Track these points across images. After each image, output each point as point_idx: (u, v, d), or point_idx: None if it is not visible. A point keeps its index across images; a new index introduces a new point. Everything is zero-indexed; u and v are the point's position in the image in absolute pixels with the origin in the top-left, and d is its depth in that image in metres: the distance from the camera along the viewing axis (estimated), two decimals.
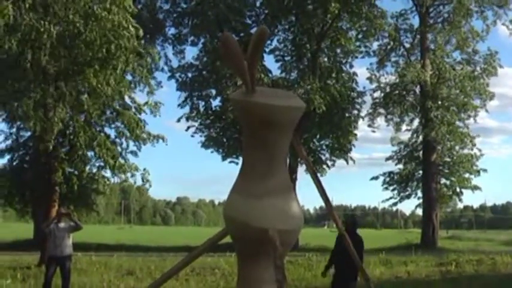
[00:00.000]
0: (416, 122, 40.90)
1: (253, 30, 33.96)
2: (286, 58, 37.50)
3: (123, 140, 26.37)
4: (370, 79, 40.38)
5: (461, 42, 40.26)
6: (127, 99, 26.16)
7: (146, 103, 26.74)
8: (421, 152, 41.20)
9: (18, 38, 20.49)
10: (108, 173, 27.11)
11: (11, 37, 20.33)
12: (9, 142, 28.92)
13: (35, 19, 20.23)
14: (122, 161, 25.77)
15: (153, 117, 27.41)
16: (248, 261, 5.60)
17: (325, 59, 37.95)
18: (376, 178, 42.65)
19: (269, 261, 5.15)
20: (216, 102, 36.75)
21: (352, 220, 12.04)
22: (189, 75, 36.41)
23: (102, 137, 25.43)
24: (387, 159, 43.36)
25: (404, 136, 42.70)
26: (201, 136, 36.75)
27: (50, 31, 20.15)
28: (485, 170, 41.13)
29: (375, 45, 40.73)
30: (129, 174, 25.70)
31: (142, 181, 26.62)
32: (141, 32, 22.20)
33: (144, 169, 26.29)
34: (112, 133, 26.60)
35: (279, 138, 5.43)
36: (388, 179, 42.32)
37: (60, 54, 21.88)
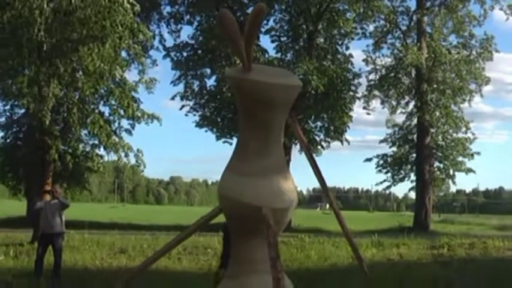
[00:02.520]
0: (411, 105, 40.92)
1: (249, 10, 33.83)
2: (282, 38, 37.41)
3: (117, 117, 26.31)
4: (366, 61, 40.33)
5: (457, 26, 40.16)
6: (120, 78, 26.02)
7: (140, 80, 26.62)
8: (415, 135, 41.23)
9: (11, 15, 20.38)
10: (101, 151, 27.11)
11: (3, 13, 20.22)
12: (2, 119, 28.89)
13: None
14: (116, 139, 25.71)
15: (148, 94, 27.26)
16: (242, 240, 5.60)
17: (321, 40, 37.88)
18: (369, 160, 42.82)
19: (263, 240, 5.15)
20: (211, 82, 36.74)
21: None
22: (184, 54, 36.31)
23: (96, 114, 25.36)
24: (381, 141, 43.47)
25: (399, 119, 42.75)
26: (195, 115, 36.74)
27: (43, 8, 20.02)
28: (478, 153, 41.38)
29: (371, 27, 40.68)
30: (122, 154, 25.64)
31: (136, 162, 26.60)
32: (137, 8, 22.08)
33: (138, 150, 26.22)
34: (106, 111, 26.55)
35: (274, 117, 5.41)
36: (381, 162, 42.42)
37: (54, 31, 21.75)
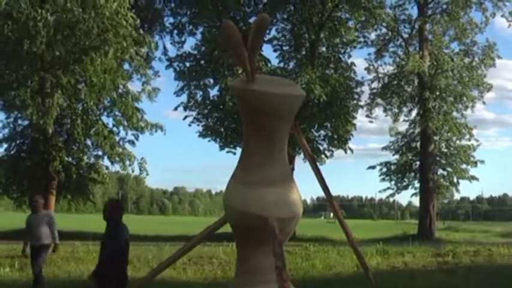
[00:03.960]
0: (414, 113, 40.94)
1: (251, 20, 33.90)
2: (285, 48, 37.45)
3: (121, 128, 26.45)
4: (368, 69, 40.33)
5: (459, 34, 40.19)
6: (123, 89, 26.18)
7: (143, 90, 26.76)
8: (418, 143, 41.19)
9: (15, 27, 20.50)
10: (106, 162, 27.22)
11: (8, 26, 20.34)
12: (6, 131, 28.93)
13: (32, 7, 20.20)
14: (120, 150, 25.86)
15: (150, 103, 27.49)
16: (247, 249, 5.60)
17: (324, 49, 37.92)
18: (373, 167, 42.75)
19: (268, 249, 5.15)
20: (214, 92, 36.74)
21: (116, 204, 9.46)
22: (187, 64, 36.36)
23: (100, 125, 25.45)
24: (384, 148, 43.42)
25: (402, 127, 42.73)
26: (198, 125, 36.73)
27: (47, 19, 20.12)
28: (482, 162, 41.28)
29: (373, 35, 40.73)
30: (127, 163, 25.80)
31: (140, 170, 26.73)
32: (138, 22, 22.22)
33: (142, 158, 26.41)
34: (110, 122, 26.67)
35: (278, 127, 5.42)
36: (385, 169, 42.34)
37: (57, 43, 21.86)
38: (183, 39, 37.38)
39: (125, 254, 8.94)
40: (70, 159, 26.69)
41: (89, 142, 26.41)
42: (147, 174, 27.24)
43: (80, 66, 22.14)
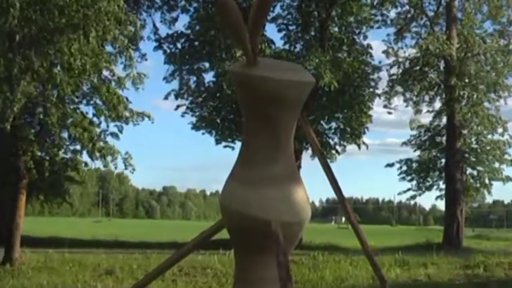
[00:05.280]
0: (439, 103, 40.80)
1: None
2: (291, 27, 37.42)
3: (102, 119, 26.33)
4: (386, 53, 40.15)
5: (494, 11, 40.03)
6: (106, 73, 26.06)
7: (128, 75, 26.62)
8: (444, 137, 41.11)
9: None
10: (85, 158, 27.12)
11: None
12: None
13: None
14: (101, 144, 25.77)
15: (135, 90, 27.16)
16: (247, 258, 5.63)
17: (336, 29, 37.86)
18: (391, 165, 42.57)
19: (271, 257, 5.17)
20: (209, 77, 36.69)
21: None
22: (179, 45, 36.30)
23: (78, 115, 25.37)
24: (403, 144, 43.29)
25: (425, 119, 42.62)
26: (192, 116, 36.70)
27: None
28: None
29: (393, 13, 40.57)
30: (109, 158, 25.71)
31: (125, 165, 26.66)
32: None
33: (127, 152, 26.33)
34: (90, 111, 26.57)
35: (283, 118, 5.44)
36: (405, 168, 42.23)
37: (30, 19, 21.80)
38: (174, 16, 37.32)
39: None
40: (43, 154, 26.63)
41: (65, 135, 26.31)
42: (134, 170, 27.18)
43: (55, 47, 22.03)
